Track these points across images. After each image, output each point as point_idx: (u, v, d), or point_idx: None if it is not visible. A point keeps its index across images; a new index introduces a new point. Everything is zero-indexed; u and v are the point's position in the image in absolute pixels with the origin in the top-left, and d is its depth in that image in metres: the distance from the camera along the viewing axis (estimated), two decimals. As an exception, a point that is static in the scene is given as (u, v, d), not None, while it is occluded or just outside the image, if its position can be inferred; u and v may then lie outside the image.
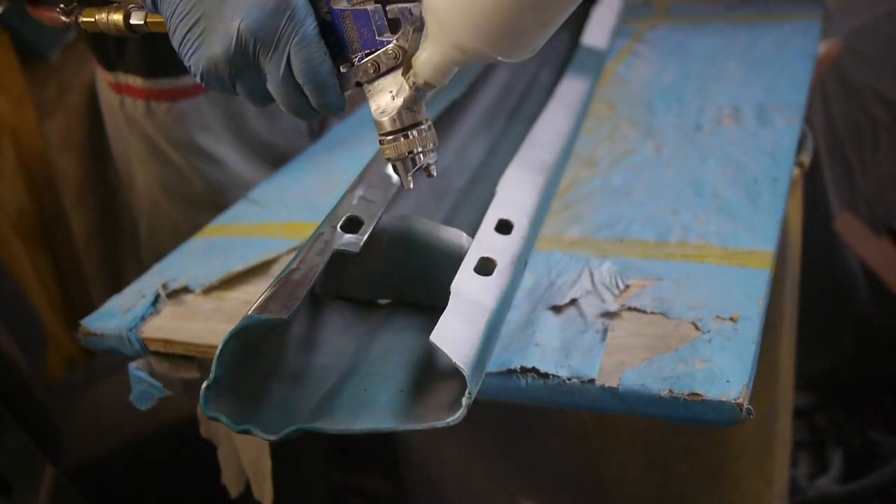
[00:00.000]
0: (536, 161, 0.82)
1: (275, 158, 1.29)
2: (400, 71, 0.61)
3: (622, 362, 0.66)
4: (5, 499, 1.11)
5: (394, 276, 0.70)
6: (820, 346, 1.75)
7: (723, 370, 0.64)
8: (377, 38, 0.62)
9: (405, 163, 0.64)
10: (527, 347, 0.68)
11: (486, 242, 0.67)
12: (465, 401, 0.53)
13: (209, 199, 1.27)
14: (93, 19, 0.74)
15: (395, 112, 0.62)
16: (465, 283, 0.62)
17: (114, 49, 1.18)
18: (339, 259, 0.68)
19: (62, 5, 0.79)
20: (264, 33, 0.61)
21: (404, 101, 0.61)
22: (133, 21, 0.72)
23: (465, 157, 1.02)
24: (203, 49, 0.63)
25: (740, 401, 0.61)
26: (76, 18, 0.77)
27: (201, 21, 0.62)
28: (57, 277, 1.91)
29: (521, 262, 0.68)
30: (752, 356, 0.66)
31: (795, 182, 1.01)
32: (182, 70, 0.98)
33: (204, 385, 0.53)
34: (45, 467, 1.36)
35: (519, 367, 0.66)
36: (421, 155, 0.63)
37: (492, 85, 1.20)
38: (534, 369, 0.65)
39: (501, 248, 0.67)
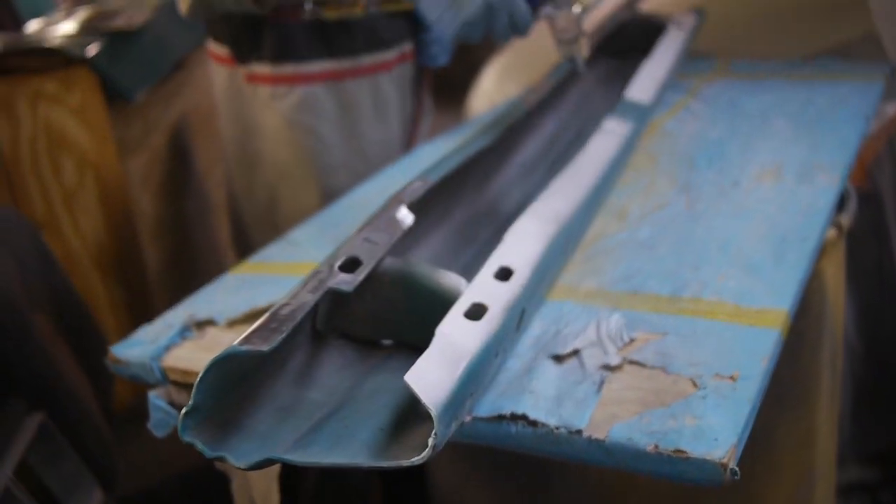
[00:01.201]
0: (550, 211, 0.83)
1: (375, 158, 1.44)
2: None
3: (614, 415, 0.66)
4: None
5: (395, 317, 0.71)
6: (886, 420, 1.68)
7: (713, 428, 0.63)
8: None
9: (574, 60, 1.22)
10: (521, 394, 0.69)
11: (482, 288, 0.68)
12: (430, 441, 0.54)
13: (312, 179, 1.43)
14: (336, 13, 1.30)
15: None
16: (451, 326, 0.63)
17: (248, 44, 1.38)
18: (342, 299, 0.70)
19: (307, 6, 1.29)
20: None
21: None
22: (372, 9, 1.30)
23: (497, 208, 1.04)
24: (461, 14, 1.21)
25: (725, 461, 0.60)
26: (319, 14, 1.30)
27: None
28: (129, 310, 1.99)
29: (515, 310, 0.68)
30: (747, 416, 0.64)
31: (834, 243, 0.99)
32: (303, 59, 1.34)
33: (182, 411, 0.56)
34: (97, 494, 1.41)
35: (509, 413, 0.66)
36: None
37: (536, 136, 1.22)
38: (523, 416, 0.66)
39: (497, 295, 0.68)
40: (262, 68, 1.37)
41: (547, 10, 1.22)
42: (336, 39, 1.35)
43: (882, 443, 1.65)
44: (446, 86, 2.76)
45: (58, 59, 1.76)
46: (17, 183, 1.83)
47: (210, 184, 2.33)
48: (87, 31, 1.88)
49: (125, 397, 1.95)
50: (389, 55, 1.39)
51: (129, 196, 1.91)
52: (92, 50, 1.78)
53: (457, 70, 1.84)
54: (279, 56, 1.35)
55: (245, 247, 1.57)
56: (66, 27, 1.94)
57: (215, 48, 1.46)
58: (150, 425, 0.81)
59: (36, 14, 2.28)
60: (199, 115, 2.36)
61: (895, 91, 1.59)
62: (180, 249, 2.18)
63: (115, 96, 1.85)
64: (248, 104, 1.42)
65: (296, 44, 1.34)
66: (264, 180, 1.47)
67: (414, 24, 1.37)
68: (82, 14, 2.04)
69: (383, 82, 1.41)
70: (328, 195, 1.40)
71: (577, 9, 1.17)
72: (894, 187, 1.60)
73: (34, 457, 1.27)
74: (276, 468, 0.85)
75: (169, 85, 2.15)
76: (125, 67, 1.88)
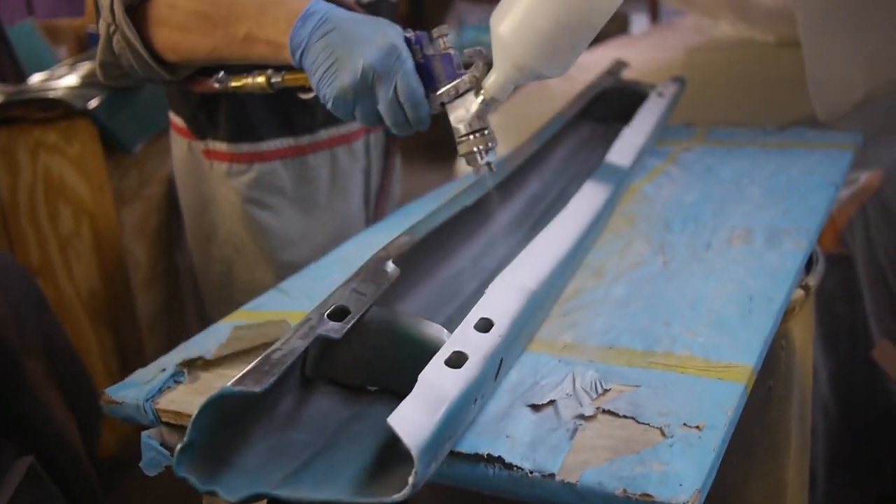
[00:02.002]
0: (531, 268, 0.87)
1: (334, 231, 1.44)
2: (473, 93, 0.92)
3: (585, 461, 0.70)
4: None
5: (380, 364, 0.75)
6: (864, 478, 1.71)
7: (678, 474, 0.67)
8: (457, 71, 0.94)
9: (474, 157, 0.94)
10: (497, 438, 0.72)
11: (463, 338, 0.73)
12: (410, 479, 0.58)
13: (267, 255, 1.42)
14: (241, 83, 1.09)
15: (468, 120, 0.92)
16: (432, 373, 0.67)
17: (205, 120, 1.36)
18: (331, 346, 0.74)
19: (217, 75, 1.13)
20: (380, 67, 0.91)
21: (475, 112, 0.92)
22: (273, 80, 1.06)
23: (481, 263, 1.08)
24: (336, 81, 0.93)
25: (689, 504, 0.64)
26: (226, 84, 1.12)
27: (335, 63, 0.93)
28: (119, 356, 2.02)
29: (494, 360, 0.73)
30: (711, 463, 0.68)
31: (801, 303, 1.04)
32: (261, 137, 1.34)
33: (178, 447, 0.59)
34: (82, 537, 1.42)
35: (486, 454, 0.70)
36: (484, 152, 0.94)
37: (520, 196, 1.27)
38: (499, 459, 0.69)
39: (477, 345, 0.72)
40: (218, 145, 1.36)
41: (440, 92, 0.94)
42: (294, 116, 1.34)
43: (861, 500, 1.68)
44: (436, 144, 2.83)
45: (59, 110, 1.82)
46: (14, 229, 1.87)
47: (202, 235, 2.37)
48: (89, 84, 1.94)
49: (110, 445, 1.97)
50: (353, 126, 1.40)
51: (123, 245, 1.95)
52: (93, 103, 1.83)
53: (446, 129, 1.89)
54: (236, 135, 1.34)
55: (204, 319, 1.56)
56: (68, 80, 2.00)
57: (174, 118, 1.44)
58: (142, 464, 0.84)
59: (38, 67, 2.34)
60: (194, 167, 2.42)
61: (867, 159, 1.67)
62: (171, 299, 2.22)
63: (113, 148, 1.91)
64: (206, 177, 1.40)
65: (252, 122, 1.33)
66: (220, 254, 1.45)
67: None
68: (84, 68, 2.10)
69: (341, 154, 1.40)
70: (284, 269, 1.37)
71: (477, 100, 0.93)
72: (866, 251, 1.66)
73: (21, 499, 1.28)
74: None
75: (165, 139, 2.20)
76: (124, 121, 1.94)
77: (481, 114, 0.93)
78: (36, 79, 2.14)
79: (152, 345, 2.05)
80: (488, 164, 0.95)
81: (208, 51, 1.06)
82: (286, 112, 1.34)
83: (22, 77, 2.32)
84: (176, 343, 0.98)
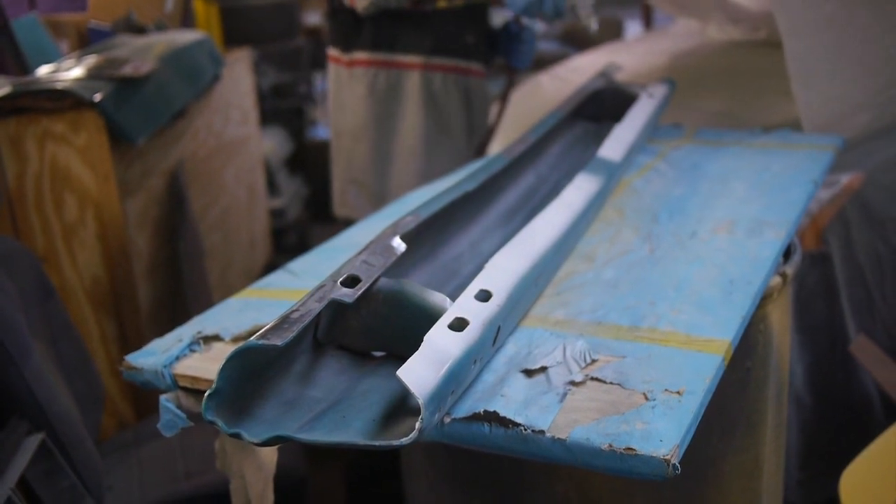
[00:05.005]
0: (527, 247, 0.94)
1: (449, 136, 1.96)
2: None
3: (575, 420, 0.76)
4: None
5: (386, 330, 0.81)
6: (837, 467, 1.78)
7: (659, 431, 0.73)
8: None
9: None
10: (493, 398, 0.78)
11: (464, 306, 0.79)
12: (418, 424, 0.64)
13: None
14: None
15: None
16: (437, 335, 0.73)
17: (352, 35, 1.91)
18: (340, 312, 0.80)
19: None
20: None
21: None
22: None
23: (479, 248, 1.14)
24: None
25: (669, 457, 0.70)
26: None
27: None
28: (120, 343, 2.07)
29: (492, 326, 0.79)
30: (689, 423, 0.75)
31: (779, 290, 1.11)
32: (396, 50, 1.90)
33: (206, 393, 0.65)
34: (91, 505, 1.48)
35: (482, 410, 0.76)
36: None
37: (516, 187, 1.33)
38: (494, 413, 0.75)
39: (477, 312, 0.78)
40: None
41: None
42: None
43: (829, 492, 1.74)
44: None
45: (67, 101, 1.87)
46: (21, 217, 1.92)
47: (203, 227, 2.43)
48: (96, 76, 1.99)
49: (108, 429, 2.02)
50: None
51: (127, 235, 2.00)
52: (100, 94, 1.89)
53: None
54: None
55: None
56: (75, 72, 2.05)
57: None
58: (159, 426, 0.90)
59: (42, 61, 2.39)
60: (195, 161, 2.47)
61: (847, 162, 1.74)
62: (172, 289, 2.27)
63: (118, 139, 1.96)
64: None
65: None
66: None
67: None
68: (91, 61, 2.15)
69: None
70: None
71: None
72: (845, 249, 1.73)
73: (33, 473, 1.34)
74: (272, 472, 0.94)
75: (169, 132, 2.26)
76: (130, 113, 1.99)
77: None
78: (43, 71, 2.19)
79: (152, 333, 2.09)
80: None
81: None
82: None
83: (26, 70, 2.36)
84: (176, 331, 1.03)
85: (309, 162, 3.75)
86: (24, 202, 1.91)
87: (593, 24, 1.87)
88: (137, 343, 2.05)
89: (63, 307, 1.75)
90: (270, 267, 3.04)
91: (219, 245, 2.65)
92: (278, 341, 0.68)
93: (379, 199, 1.99)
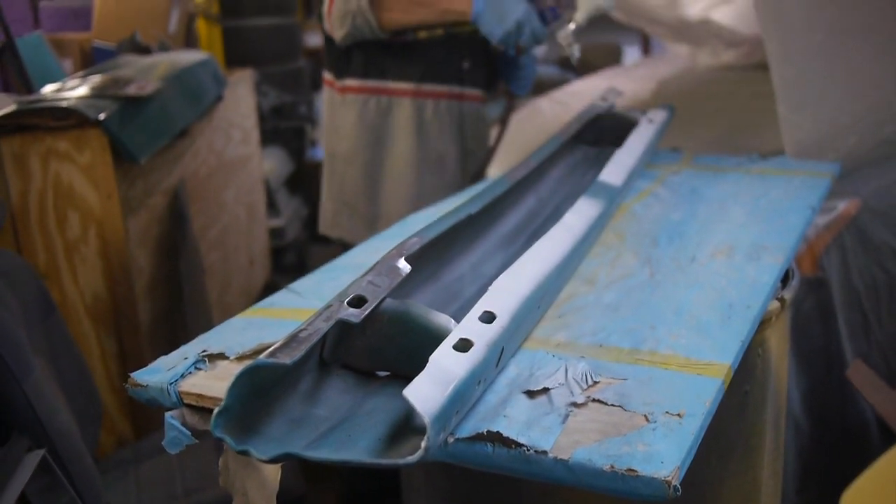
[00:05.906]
0: (529, 270, 0.95)
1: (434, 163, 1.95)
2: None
3: (577, 441, 0.77)
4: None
5: (391, 350, 0.82)
6: (834, 492, 1.78)
7: (660, 453, 0.74)
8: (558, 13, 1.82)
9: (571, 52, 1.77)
10: (496, 418, 0.80)
11: (469, 328, 0.80)
12: (423, 443, 0.65)
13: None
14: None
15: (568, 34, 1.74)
16: (442, 355, 0.74)
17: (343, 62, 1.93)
18: (346, 332, 0.81)
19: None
20: (523, 17, 1.74)
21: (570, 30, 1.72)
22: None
23: (480, 270, 1.16)
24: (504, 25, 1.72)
25: (670, 479, 0.71)
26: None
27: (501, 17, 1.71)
28: (120, 360, 2.07)
29: (496, 348, 0.80)
30: (690, 445, 0.76)
31: (777, 315, 1.12)
32: (387, 77, 1.89)
33: (216, 410, 0.66)
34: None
35: (486, 430, 0.77)
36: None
37: (518, 211, 1.35)
38: (497, 433, 0.76)
39: (480, 334, 0.79)
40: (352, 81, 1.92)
41: (552, 27, 1.79)
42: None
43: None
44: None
45: (71, 119, 1.88)
46: (23, 233, 1.93)
47: (203, 246, 2.44)
48: (100, 95, 2.01)
49: (107, 447, 2.02)
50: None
51: (128, 252, 2.01)
52: (104, 113, 1.90)
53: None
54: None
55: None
56: (79, 91, 2.07)
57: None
58: (164, 443, 0.91)
59: (46, 80, 2.41)
60: (196, 181, 2.49)
61: (844, 189, 1.76)
62: (171, 306, 2.28)
63: (122, 158, 1.97)
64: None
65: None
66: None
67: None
68: (95, 80, 2.17)
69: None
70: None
71: (571, 26, 1.75)
72: (842, 275, 1.75)
73: (33, 489, 1.34)
74: (275, 490, 0.94)
75: (172, 151, 2.28)
76: (134, 131, 2.01)
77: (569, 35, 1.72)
78: (48, 89, 2.21)
79: (153, 350, 2.10)
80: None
81: (417, 21, 1.75)
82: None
83: (30, 89, 2.38)
84: (175, 349, 1.04)
85: (308, 182, 3.77)
86: (27, 218, 1.92)
87: (575, 52, 1.76)
88: (137, 360, 2.06)
89: (64, 323, 1.76)
90: (269, 286, 3.05)
91: (218, 264, 2.66)
92: (287, 360, 0.69)
93: (370, 223, 1.98)
